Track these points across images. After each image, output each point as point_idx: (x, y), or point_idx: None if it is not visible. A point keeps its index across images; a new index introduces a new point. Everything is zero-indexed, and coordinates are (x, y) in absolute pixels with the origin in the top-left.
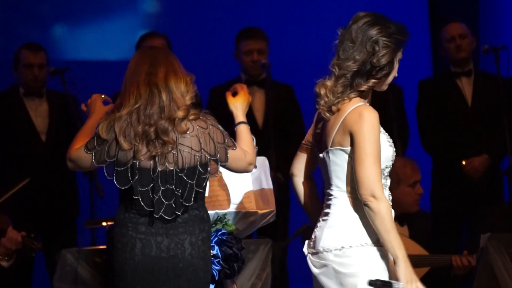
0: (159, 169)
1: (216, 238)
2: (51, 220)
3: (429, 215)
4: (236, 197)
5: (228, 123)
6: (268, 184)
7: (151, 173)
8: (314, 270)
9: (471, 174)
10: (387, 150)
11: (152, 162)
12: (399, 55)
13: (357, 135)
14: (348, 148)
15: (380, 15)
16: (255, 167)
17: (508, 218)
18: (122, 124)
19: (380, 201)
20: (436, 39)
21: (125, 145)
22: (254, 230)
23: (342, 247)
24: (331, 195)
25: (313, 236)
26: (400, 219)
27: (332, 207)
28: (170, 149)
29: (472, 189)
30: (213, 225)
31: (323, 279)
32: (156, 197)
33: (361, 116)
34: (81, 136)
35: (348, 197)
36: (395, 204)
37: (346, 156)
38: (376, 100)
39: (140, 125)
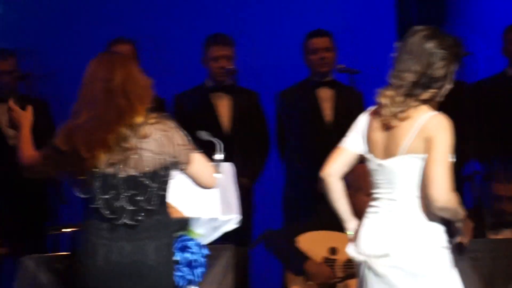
0: (120, 175)
1: (179, 244)
2: (18, 226)
3: None
4: (200, 203)
5: (192, 129)
6: (232, 189)
7: (112, 180)
8: (381, 272)
9: None
10: None
11: (112, 169)
12: (456, 66)
13: (437, 140)
14: (425, 155)
15: (436, 28)
16: (220, 173)
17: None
18: (80, 133)
19: (452, 196)
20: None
21: (85, 154)
22: (218, 236)
23: (417, 250)
24: (394, 199)
25: (369, 240)
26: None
27: (397, 212)
28: (130, 154)
29: None
30: (176, 231)
31: (396, 280)
32: (118, 204)
33: (441, 124)
34: (25, 145)
35: (418, 202)
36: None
37: (420, 162)
38: (341, 106)
39: (99, 133)
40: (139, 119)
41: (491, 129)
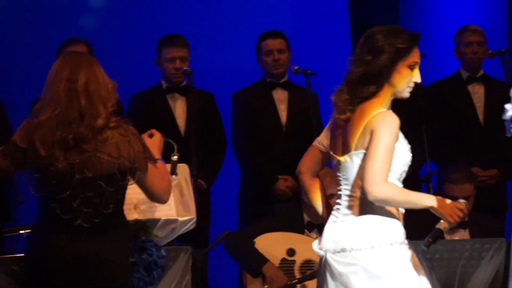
0: (77, 176)
1: (136, 246)
2: None
3: None
4: (156, 204)
5: (146, 130)
6: (188, 191)
7: (69, 180)
8: (338, 269)
9: None
10: (406, 156)
11: (70, 169)
12: (407, 62)
13: (375, 135)
14: None
15: (390, 27)
16: (176, 174)
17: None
18: (40, 131)
19: (383, 187)
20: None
21: (43, 152)
22: (175, 237)
23: (372, 247)
24: (353, 196)
25: (329, 235)
26: (320, 227)
27: (355, 207)
28: (88, 156)
29: None
30: (134, 233)
31: (352, 278)
32: (74, 205)
33: (383, 119)
34: None
35: None
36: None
37: None
38: (296, 107)
39: (59, 132)
40: (100, 122)
41: (445, 130)
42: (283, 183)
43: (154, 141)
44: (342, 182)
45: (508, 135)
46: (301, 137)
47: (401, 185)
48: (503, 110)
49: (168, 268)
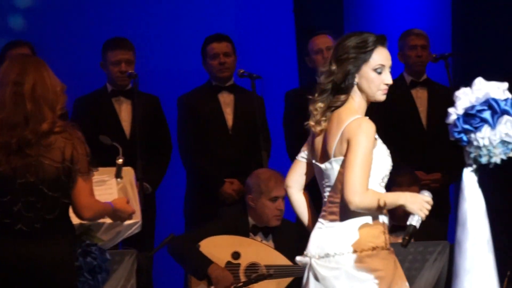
0: (19, 181)
1: (80, 249)
2: None
3: (295, 226)
4: None
5: (91, 133)
6: (133, 194)
7: (11, 184)
8: (322, 272)
9: None
10: (386, 160)
11: (12, 173)
12: (371, 66)
13: (352, 142)
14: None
15: (354, 33)
16: (121, 177)
17: None
18: None
19: (363, 196)
20: (303, 50)
21: None
22: (120, 241)
23: (355, 251)
24: (336, 202)
25: (315, 242)
26: (264, 231)
27: (339, 213)
28: (31, 161)
29: None
30: (78, 236)
31: (335, 282)
32: (14, 209)
33: (359, 126)
34: None
35: None
36: (256, 215)
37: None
38: (241, 111)
39: (2, 136)
40: (45, 126)
41: (388, 133)
42: (229, 186)
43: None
44: (326, 189)
45: (452, 139)
46: (247, 140)
47: (383, 190)
48: (446, 114)
49: (113, 271)
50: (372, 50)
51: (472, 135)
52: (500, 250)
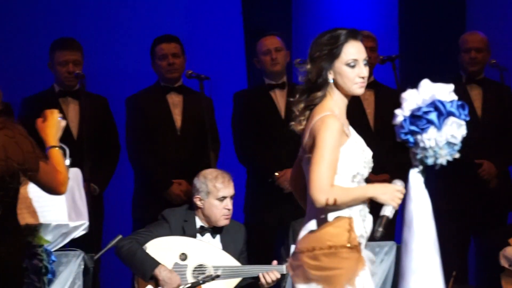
0: None
1: (27, 251)
2: None
3: (242, 226)
4: (47, 209)
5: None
6: (81, 195)
7: None
8: (290, 272)
9: (285, 185)
10: (357, 157)
11: None
12: (343, 61)
13: (316, 140)
14: None
15: (328, 30)
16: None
17: None
18: None
19: (327, 192)
20: (251, 52)
21: None
22: (66, 242)
23: (313, 249)
24: (307, 200)
25: (298, 240)
26: (212, 231)
27: (308, 211)
28: None
29: (286, 200)
30: (25, 237)
31: (296, 279)
32: None
33: (323, 123)
34: None
35: None
36: (204, 215)
37: None
38: (190, 112)
39: None
40: None
41: None
42: (177, 187)
43: (47, 126)
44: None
45: (399, 140)
46: (196, 141)
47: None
48: (393, 116)
49: (59, 273)
50: (342, 45)
51: (419, 137)
52: (445, 250)
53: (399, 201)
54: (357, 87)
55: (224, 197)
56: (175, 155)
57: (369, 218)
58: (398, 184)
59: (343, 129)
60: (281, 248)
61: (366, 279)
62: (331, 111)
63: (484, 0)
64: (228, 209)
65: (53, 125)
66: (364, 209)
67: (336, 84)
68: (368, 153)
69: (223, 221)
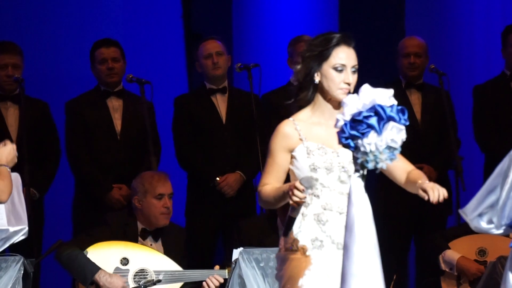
0: None
1: None
2: None
3: (183, 230)
4: None
5: None
6: (20, 200)
7: None
8: None
9: (226, 190)
10: (305, 163)
11: None
12: (330, 64)
13: None
14: None
15: (324, 32)
16: None
17: (261, 230)
18: None
19: (259, 192)
20: (192, 56)
21: None
22: (6, 247)
23: (279, 249)
24: None
25: None
26: (154, 235)
27: None
28: None
29: (227, 204)
30: None
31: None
32: None
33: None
34: None
35: None
36: (144, 216)
37: None
38: (130, 116)
39: None
40: None
41: None
42: (118, 192)
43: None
44: None
45: (340, 144)
46: (136, 145)
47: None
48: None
49: None
50: (332, 48)
51: (359, 141)
52: (386, 254)
53: (297, 199)
54: (341, 92)
55: (162, 195)
56: (115, 159)
57: (334, 221)
58: (297, 183)
59: (292, 133)
60: (224, 252)
61: (315, 281)
62: (295, 117)
63: (422, 5)
64: (167, 208)
65: (8, 151)
66: (324, 213)
67: (321, 88)
68: (335, 159)
69: (162, 220)
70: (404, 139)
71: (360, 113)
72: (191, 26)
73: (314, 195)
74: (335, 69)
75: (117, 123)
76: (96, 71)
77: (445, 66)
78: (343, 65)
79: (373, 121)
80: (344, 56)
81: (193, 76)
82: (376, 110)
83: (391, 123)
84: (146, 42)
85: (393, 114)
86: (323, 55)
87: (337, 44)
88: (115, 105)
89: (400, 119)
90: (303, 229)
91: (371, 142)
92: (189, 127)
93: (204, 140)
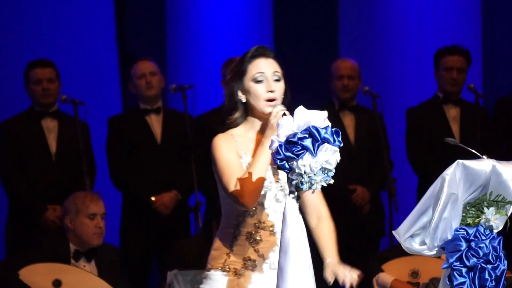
0: None
1: None
2: None
3: (118, 250)
4: None
5: None
6: None
7: None
8: None
9: (161, 209)
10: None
11: None
12: (249, 77)
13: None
14: None
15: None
16: None
17: (198, 250)
18: None
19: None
20: (126, 76)
21: None
22: None
23: (207, 269)
24: None
25: None
26: (87, 256)
27: None
28: None
29: (161, 224)
30: None
31: None
32: None
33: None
34: None
35: None
36: (76, 237)
37: None
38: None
39: None
40: None
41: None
42: (53, 213)
43: None
44: None
45: (275, 166)
46: (71, 166)
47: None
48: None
49: None
50: (248, 61)
51: (294, 163)
52: (320, 274)
53: (278, 109)
54: (267, 104)
55: (94, 214)
56: (50, 180)
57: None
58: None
59: (233, 143)
60: (159, 274)
61: None
62: (232, 132)
63: (356, 27)
64: (99, 227)
65: None
66: (256, 233)
67: (249, 106)
68: (273, 178)
69: (95, 240)
70: (338, 161)
71: (294, 134)
72: (125, 47)
73: (248, 213)
74: (255, 80)
75: (52, 144)
76: (31, 92)
77: (379, 88)
78: (262, 73)
79: (308, 142)
80: (262, 66)
81: (127, 96)
82: (310, 132)
83: (326, 145)
84: (80, 62)
85: (328, 136)
86: (242, 71)
87: (253, 56)
88: (50, 126)
89: (334, 140)
90: (235, 248)
91: (305, 163)
92: (123, 147)
93: (138, 160)
